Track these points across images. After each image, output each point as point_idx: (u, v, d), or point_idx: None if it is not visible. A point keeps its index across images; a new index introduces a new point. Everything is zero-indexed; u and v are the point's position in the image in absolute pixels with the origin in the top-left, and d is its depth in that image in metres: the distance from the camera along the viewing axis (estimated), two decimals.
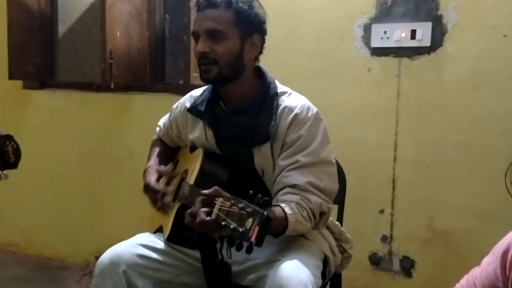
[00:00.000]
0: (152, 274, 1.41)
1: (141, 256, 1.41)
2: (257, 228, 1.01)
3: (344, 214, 1.66)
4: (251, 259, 1.34)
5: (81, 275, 2.68)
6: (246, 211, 1.03)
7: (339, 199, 1.60)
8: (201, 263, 1.43)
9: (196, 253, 1.44)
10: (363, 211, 2.16)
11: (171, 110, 1.66)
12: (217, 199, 1.10)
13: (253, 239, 1.01)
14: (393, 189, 2.16)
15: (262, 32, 1.42)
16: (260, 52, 1.44)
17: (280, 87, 1.46)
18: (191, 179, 1.43)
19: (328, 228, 1.48)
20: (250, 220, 1.02)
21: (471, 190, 2.03)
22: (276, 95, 1.42)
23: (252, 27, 1.38)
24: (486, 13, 1.95)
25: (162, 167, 1.57)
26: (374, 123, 2.16)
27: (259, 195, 1.07)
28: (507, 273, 0.95)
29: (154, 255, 1.43)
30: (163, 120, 1.71)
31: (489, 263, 1.01)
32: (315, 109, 1.42)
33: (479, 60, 1.97)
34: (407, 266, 2.16)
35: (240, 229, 1.02)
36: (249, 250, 1.06)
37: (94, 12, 2.75)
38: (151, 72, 2.70)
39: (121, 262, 1.38)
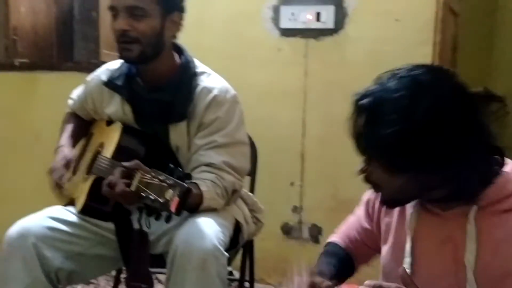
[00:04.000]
0: (63, 246, 1.40)
1: (51, 229, 1.40)
2: (177, 199, 1.05)
3: (257, 187, 1.76)
4: (163, 225, 1.35)
5: None
6: (166, 183, 1.07)
7: (251, 171, 1.70)
8: (116, 234, 1.44)
9: (110, 225, 1.45)
10: (275, 184, 2.28)
11: (85, 82, 1.62)
12: (137, 171, 1.13)
13: (173, 209, 1.05)
14: (302, 163, 2.30)
15: (182, 10, 1.42)
16: (179, 30, 1.44)
17: (199, 67, 1.48)
18: (109, 152, 1.43)
19: (241, 198, 1.55)
20: (171, 191, 1.06)
21: None
22: (195, 75, 1.44)
23: (172, 4, 1.39)
24: None
25: (70, 154, 1.51)
26: (284, 101, 2.27)
27: (179, 168, 1.11)
28: (371, 217, 1.15)
29: (64, 227, 1.42)
30: (76, 93, 1.67)
31: (359, 210, 1.21)
32: (233, 92, 1.47)
33: (375, 42, 2.14)
34: (315, 234, 2.33)
35: (161, 200, 1.05)
36: (168, 220, 1.10)
37: None
38: (59, 50, 2.60)
39: (30, 234, 1.36)
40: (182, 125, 1.42)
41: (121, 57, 1.41)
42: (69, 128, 1.61)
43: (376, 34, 2.14)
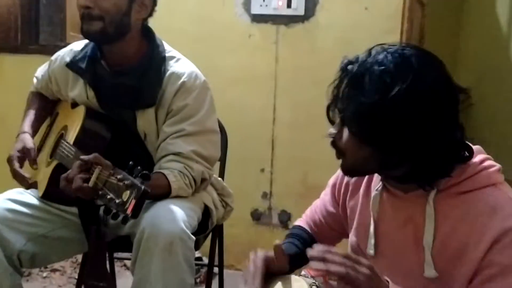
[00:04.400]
0: (25, 228, 1.37)
1: (12, 211, 1.36)
2: (133, 201, 1.03)
3: (227, 173, 1.75)
4: None
5: None
6: (124, 183, 1.04)
7: (221, 157, 1.68)
8: (79, 218, 1.41)
9: (73, 209, 1.42)
10: (245, 171, 2.29)
11: (50, 61, 1.57)
12: (95, 166, 1.10)
13: (129, 211, 1.03)
14: (272, 149, 2.32)
15: None
16: (150, 14, 1.41)
17: (169, 51, 1.45)
18: (71, 137, 1.40)
19: (211, 183, 1.54)
20: (128, 192, 1.04)
21: None
22: (164, 60, 1.41)
23: None
24: None
25: (30, 143, 1.46)
26: (255, 86, 2.28)
27: (139, 167, 1.08)
28: (337, 200, 1.17)
29: (26, 210, 1.39)
30: (40, 72, 1.62)
31: (325, 194, 1.22)
32: (202, 78, 1.43)
33: (345, 30, 2.17)
34: (285, 219, 2.35)
35: (117, 200, 1.04)
36: (124, 221, 1.08)
37: None
38: (23, 31, 2.52)
39: None
40: (150, 111, 1.39)
41: (81, 32, 1.36)
42: (32, 112, 1.56)
43: (345, 22, 2.16)
